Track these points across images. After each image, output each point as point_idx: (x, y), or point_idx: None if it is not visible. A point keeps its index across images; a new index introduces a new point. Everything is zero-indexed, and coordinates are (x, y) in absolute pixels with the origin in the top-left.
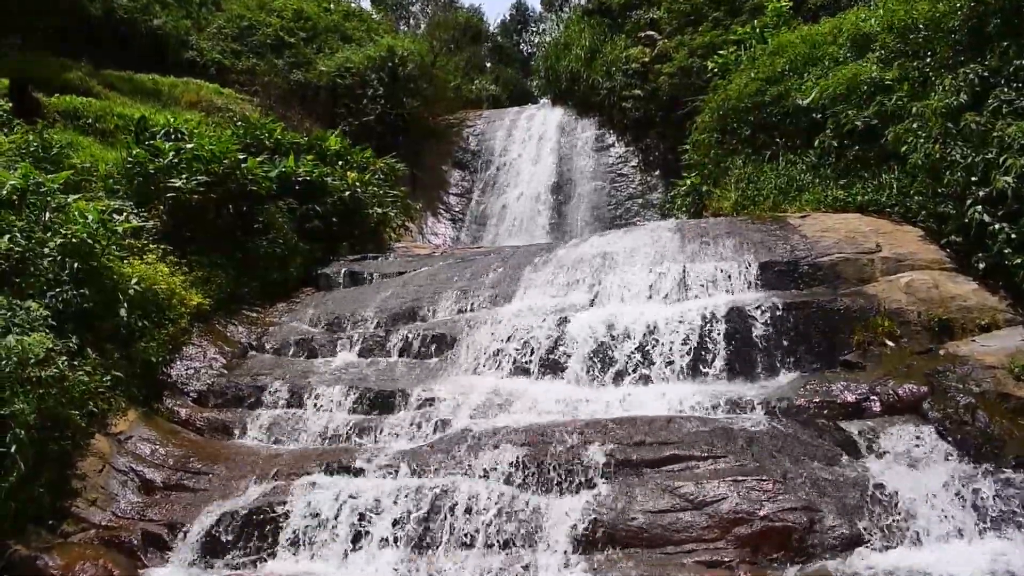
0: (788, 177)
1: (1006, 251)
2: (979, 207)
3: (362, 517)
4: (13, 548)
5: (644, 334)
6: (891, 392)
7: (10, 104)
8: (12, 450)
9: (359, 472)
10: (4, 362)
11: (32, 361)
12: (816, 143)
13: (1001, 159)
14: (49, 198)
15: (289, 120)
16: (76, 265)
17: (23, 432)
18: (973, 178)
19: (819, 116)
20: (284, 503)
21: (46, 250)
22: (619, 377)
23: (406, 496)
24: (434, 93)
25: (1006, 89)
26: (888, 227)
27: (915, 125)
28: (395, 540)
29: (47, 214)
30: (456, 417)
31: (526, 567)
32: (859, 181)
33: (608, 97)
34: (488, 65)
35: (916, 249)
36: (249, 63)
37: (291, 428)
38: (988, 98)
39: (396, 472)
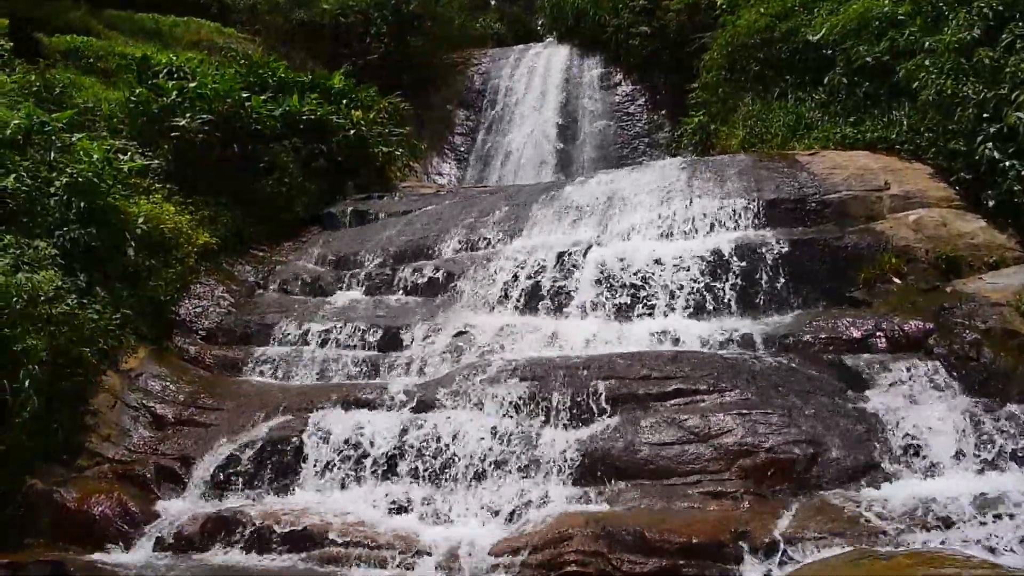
0: (797, 115)
1: (1016, 188)
2: (990, 144)
3: (371, 450)
4: (29, 482)
5: (651, 270)
6: (897, 328)
7: (11, 44)
8: (26, 386)
9: (366, 406)
10: (15, 299)
11: (42, 299)
12: (826, 80)
13: (1013, 95)
14: (54, 137)
15: (291, 60)
16: (83, 204)
17: (36, 368)
18: (984, 115)
19: (829, 52)
20: (294, 437)
21: (52, 189)
22: (626, 313)
23: (415, 429)
24: (438, 31)
25: (1021, 23)
26: (897, 164)
27: (927, 61)
28: (406, 472)
29: (52, 153)
30: (463, 352)
31: (534, 498)
32: (869, 118)
33: (615, 35)
34: (492, 2)
35: (925, 186)
36: (250, 1)
37: (299, 365)
38: (1002, 33)
39: (404, 406)
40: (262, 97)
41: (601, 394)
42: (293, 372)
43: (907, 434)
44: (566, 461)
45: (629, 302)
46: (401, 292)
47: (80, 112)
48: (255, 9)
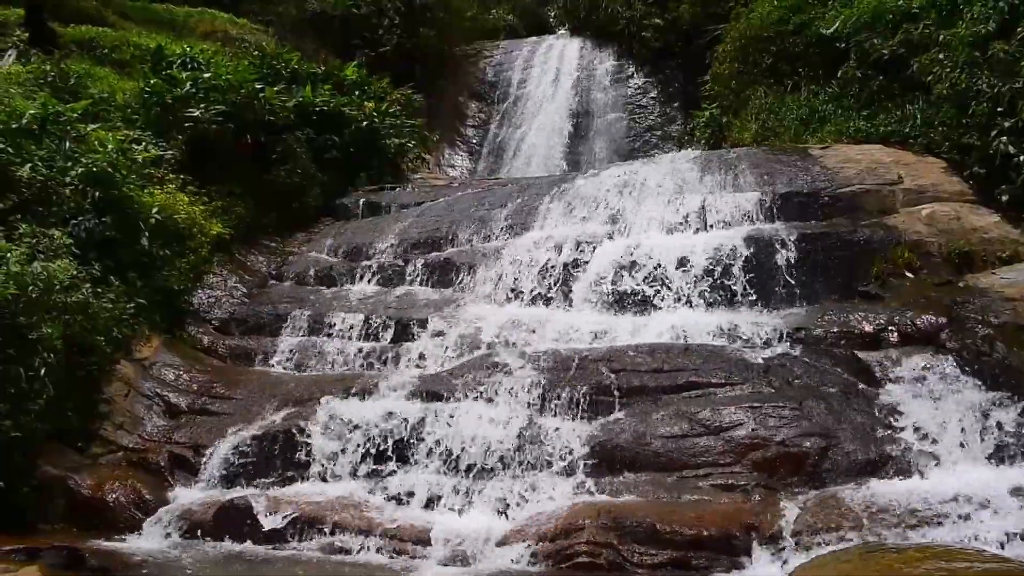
0: (810, 108)
1: None
2: (1004, 138)
3: (382, 440)
4: (43, 468)
5: (663, 264)
6: (909, 323)
7: (26, 34)
8: (41, 373)
9: (378, 397)
10: (30, 288)
11: (57, 288)
12: (839, 73)
13: None
14: (69, 127)
15: (303, 51)
16: (97, 194)
17: (51, 356)
18: (999, 109)
19: (843, 45)
20: (306, 427)
21: (67, 179)
22: (638, 306)
23: (427, 420)
24: (451, 22)
25: None
26: (911, 158)
27: (941, 55)
28: (416, 463)
29: (67, 143)
30: (474, 344)
31: (545, 489)
32: (882, 112)
33: (627, 27)
34: None
35: (938, 180)
36: None
37: (311, 355)
38: (1018, 26)
39: (415, 397)
40: (275, 88)
41: (612, 386)
42: (306, 362)
43: (919, 428)
44: (577, 453)
45: (640, 295)
46: (413, 284)
47: (95, 102)
48: None
